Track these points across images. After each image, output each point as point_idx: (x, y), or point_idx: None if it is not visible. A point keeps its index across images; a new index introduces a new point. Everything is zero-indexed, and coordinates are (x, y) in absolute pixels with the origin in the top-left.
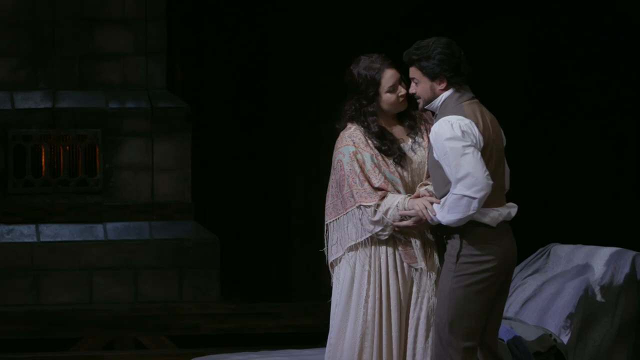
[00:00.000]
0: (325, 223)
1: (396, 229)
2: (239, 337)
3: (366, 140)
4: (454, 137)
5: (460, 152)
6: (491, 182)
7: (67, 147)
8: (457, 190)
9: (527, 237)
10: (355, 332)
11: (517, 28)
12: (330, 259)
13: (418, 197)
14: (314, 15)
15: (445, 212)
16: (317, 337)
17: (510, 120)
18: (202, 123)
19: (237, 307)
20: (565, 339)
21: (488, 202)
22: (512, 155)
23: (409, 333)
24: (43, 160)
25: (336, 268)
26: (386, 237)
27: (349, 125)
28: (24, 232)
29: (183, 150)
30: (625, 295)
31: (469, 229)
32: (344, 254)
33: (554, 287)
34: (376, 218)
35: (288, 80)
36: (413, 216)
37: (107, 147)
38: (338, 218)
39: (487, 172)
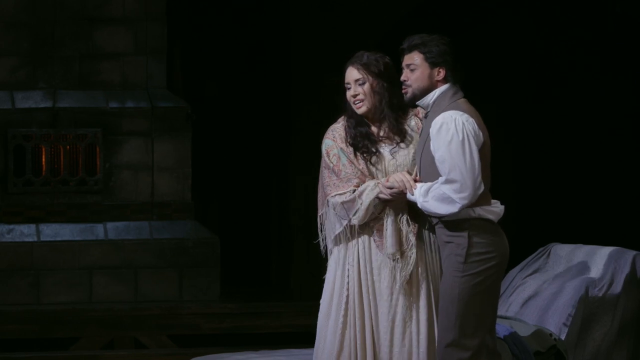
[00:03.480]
0: (318, 215)
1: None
2: (239, 336)
3: (346, 136)
4: (454, 135)
5: (458, 152)
6: (481, 189)
7: (68, 147)
8: (445, 189)
9: (527, 237)
10: (335, 332)
11: (517, 28)
12: (324, 250)
13: None
14: (315, 15)
15: (429, 198)
16: None
17: (510, 120)
18: (202, 122)
19: (237, 306)
20: (565, 338)
21: (488, 199)
22: (512, 155)
23: (382, 337)
24: (43, 159)
25: (328, 266)
26: (358, 220)
27: (341, 118)
28: (24, 232)
29: (183, 150)
30: (625, 295)
31: (476, 226)
32: (331, 251)
33: (554, 286)
34: (349, 198)
35: (289, 80)
36: (393, 187)
37: (107, 146)
38: (325, 209)
39: (480, 177)
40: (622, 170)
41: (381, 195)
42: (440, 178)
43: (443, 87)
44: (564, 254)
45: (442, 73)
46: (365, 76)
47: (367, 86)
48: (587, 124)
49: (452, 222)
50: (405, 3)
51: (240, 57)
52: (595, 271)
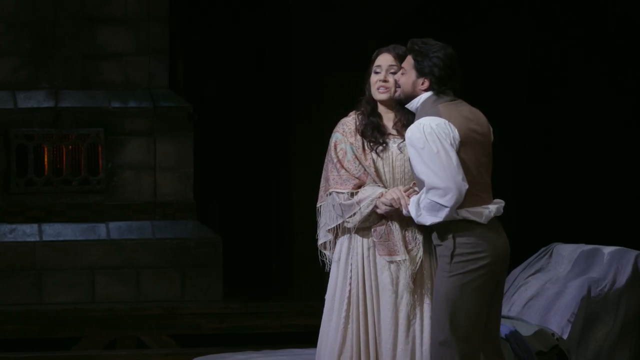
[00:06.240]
0: (317, 206)
1: (362, 221)
2: (241, 336)
3: (355, 131)
4: (425, 143)
5: (432, 158)
6: (465, 187)
7: (70, 147)
8: (430, 196)
9: (529, 237)
10: (338, 326)
11: (517, 27)
12: (319, 242)
13: None
14: (315, 15)
15: (420, 211)
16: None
17: (510, 120)
18: (204, 122)
19: (239, 306)
20: (567, 338)
21: (477, 200)
22: (513, 155)
23: (384, 334)
24: (45, 159)
25: (332, 263)
26: (352, 225)
27: (352, 112)
28: (26, 232)
29: (185, 150)
30: (627, 295)
31: (461, 227)
32: (323, 244)
33: (556, 286)
34: (347, 202)
35: (289, 80)
36: (386, 205)
37: (110, 146)
38: (324, 202)
39: (461, 176)
40: (623, 170)
41: (377, 210)
42: (424, 187)
43: (427, 94)
44: (566, 254)
45: (426, 84)
46: (398, 67)
47: (396, 77)
48: (587, 123)
49: (439, 226)
50: (405, 3)
51: (241, 57)
52: (598, 271)
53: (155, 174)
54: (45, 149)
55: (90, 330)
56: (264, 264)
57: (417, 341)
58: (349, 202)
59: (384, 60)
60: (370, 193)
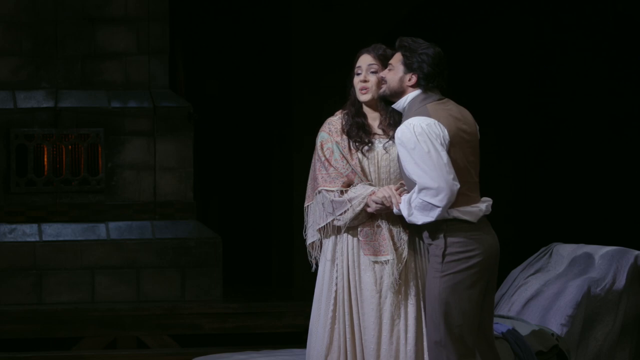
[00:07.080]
0: (304, 206)
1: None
2: (241, 336)
3: (342, 130)
4: (416, 143)
5: (423, 158)
6: (456, 186)
7: (70, 147)
8: (422, 196)
9: (528, 237)
10: (325, 326)
11: (518, 27)
12: (307, 242)
13: None
14: (315, 14)
15: (412, 211)
16: None
17: (511, 120)
18: (204, 122)
19: (239, 306)
20: (567, 338)
21: (467, 199)
22: (514, 155)
23: (368, 333)
24: (45, 159)
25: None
26: (343, 223)
27: (338, 112)
28: (26, 232)
29: (185, 150)
30: (627, 295)
31: (451, 227)
32: (312, 244)
33: (556, 286)
34: (339, 199)
35: (290, 79)
36: (377, 203)
37: (110, 146)
38: (313, 201)
39: (452, 175)
40: (623, 170)
41: (368, 209)
42: (415, 187)
43: (414, 93)
44: (566, 254)
45: (414, 80)
46: (379, 66)
47: (383, 73)
48: (587, 123)
49: (431, 225)
50: (406, 3)
51: (241, 56)
52: (598, 271)
53: (155, 174)
54: (45, 149)
55: (90, 330)
56: (264, 264)
57: (402, 341)
58: (340, 199)
59: (364, 60)
60: (362, 191)
